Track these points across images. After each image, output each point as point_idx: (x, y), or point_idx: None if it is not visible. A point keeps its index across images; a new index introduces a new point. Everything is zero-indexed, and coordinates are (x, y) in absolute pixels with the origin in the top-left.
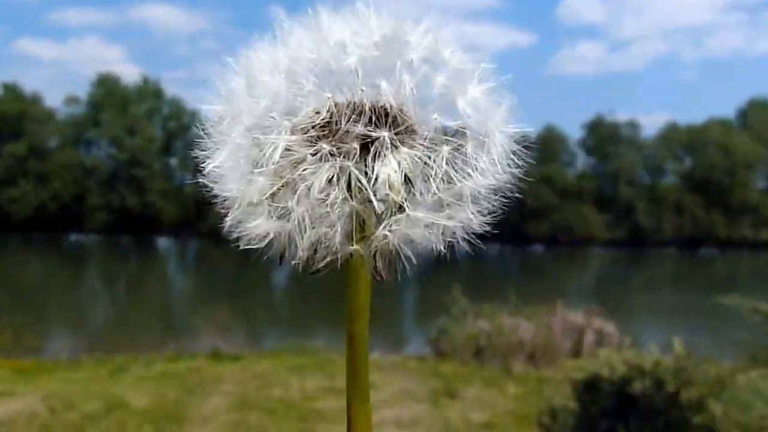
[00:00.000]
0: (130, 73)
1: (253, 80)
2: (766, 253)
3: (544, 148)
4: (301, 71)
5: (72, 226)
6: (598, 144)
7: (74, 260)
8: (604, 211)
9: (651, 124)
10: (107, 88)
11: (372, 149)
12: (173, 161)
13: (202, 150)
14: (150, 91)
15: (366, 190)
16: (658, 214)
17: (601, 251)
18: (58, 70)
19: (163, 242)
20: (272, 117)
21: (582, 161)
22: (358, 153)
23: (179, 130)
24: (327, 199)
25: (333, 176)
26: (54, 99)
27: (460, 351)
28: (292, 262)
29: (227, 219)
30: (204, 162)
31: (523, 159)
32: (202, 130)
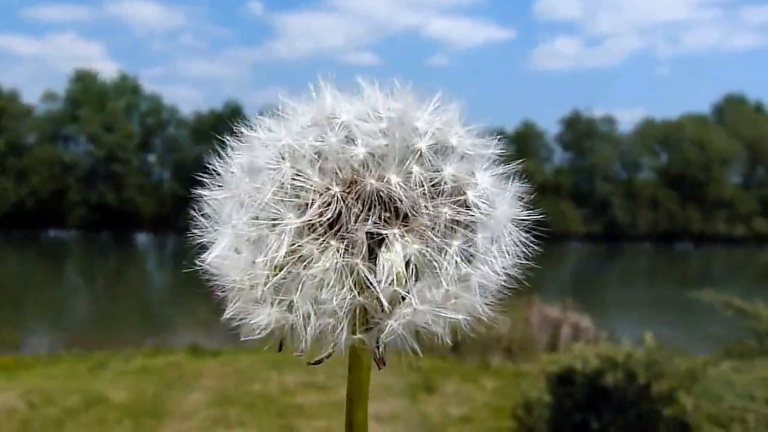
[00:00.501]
0: (108, 70)
1: (256, 166)
2: (740, 248)
3: (522, 144)
4: (307, 160)
5: (51, 222)
6: (575, 139)
7: (53, 256)
8: (580, 206)
9: (627, 119)
10: (85, 84)
11: (381, 247)
12: (151, 157)
13: (202, 234)
14: (128, 88)
15: (374, 287)
16: (634, 209)
17: (577, 246)
18: (36, 66)
19: (141, 238)
20: (277, 209)
21: (559, 156)
22: (366, 250)
23: (157, 127)
24: (333, 295)
25: (341, 273)
26: (32, 95)
27: (438, 346)
28: (295, 354)
29: (228, 308)
30: (203, 244)
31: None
32: (201, 213)
